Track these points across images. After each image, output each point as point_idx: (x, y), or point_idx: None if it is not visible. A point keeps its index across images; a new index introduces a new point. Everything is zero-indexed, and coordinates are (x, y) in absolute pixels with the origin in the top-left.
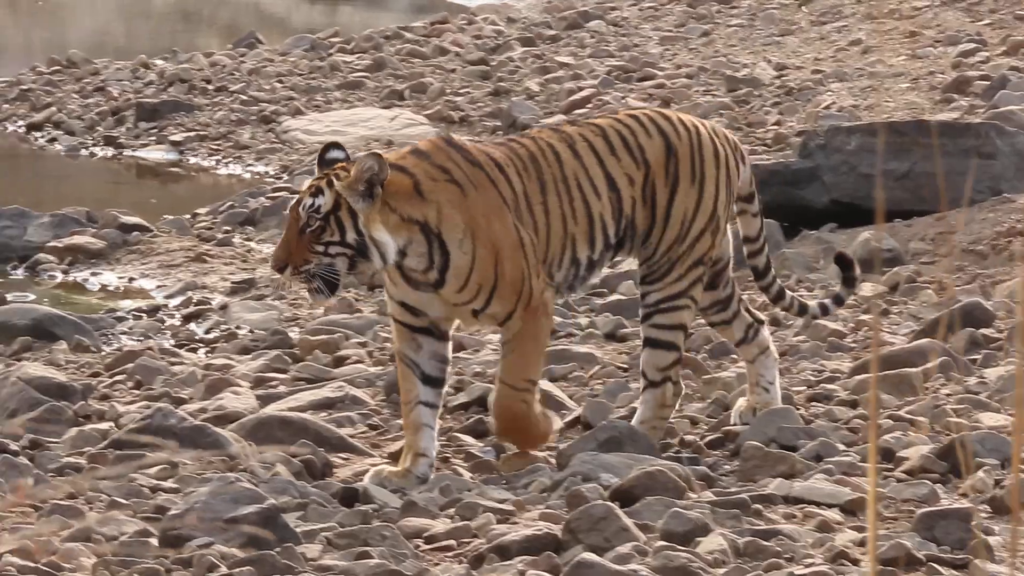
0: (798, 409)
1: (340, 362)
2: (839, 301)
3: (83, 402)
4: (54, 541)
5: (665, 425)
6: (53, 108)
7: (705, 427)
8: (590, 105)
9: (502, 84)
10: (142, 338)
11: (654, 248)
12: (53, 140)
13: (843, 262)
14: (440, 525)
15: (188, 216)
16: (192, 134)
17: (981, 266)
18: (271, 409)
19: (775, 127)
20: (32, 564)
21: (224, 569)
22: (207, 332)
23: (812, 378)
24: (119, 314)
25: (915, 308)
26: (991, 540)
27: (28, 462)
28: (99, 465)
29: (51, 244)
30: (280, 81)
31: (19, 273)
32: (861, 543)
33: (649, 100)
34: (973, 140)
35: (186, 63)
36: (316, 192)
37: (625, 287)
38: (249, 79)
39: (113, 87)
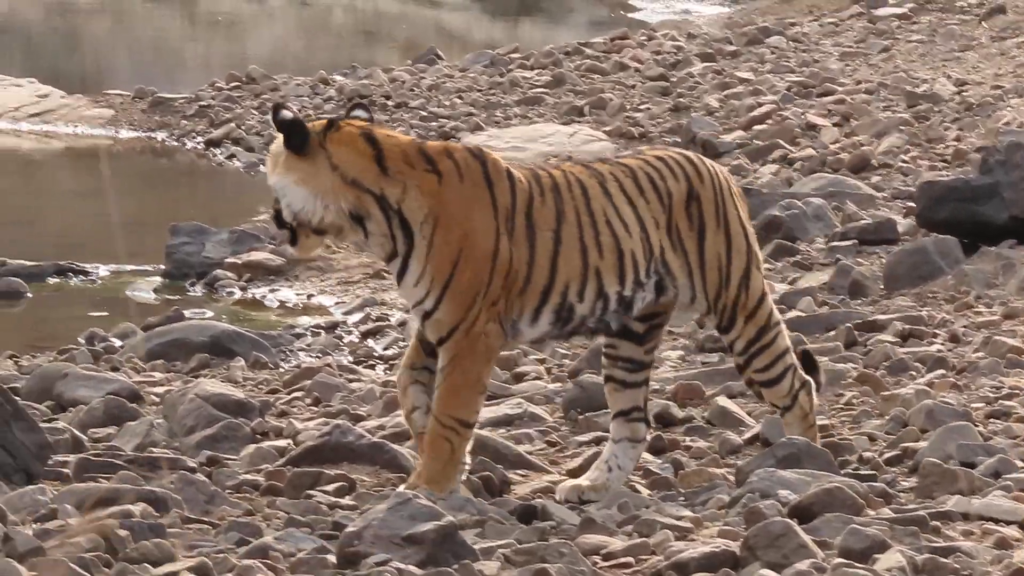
0: (976, 426)
1: (519, 379)
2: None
3: (260, 419)
4: (231, 558)
5: (816, 425)
6: (232, 124)
7: (883, 444)
8: (770, 121)
9: (682, 100)
10: (320, 355)
11: (704, 298)
12: (232, 156)
13: (808, 362)
14: (618, 542)
15: None
16: None
17: None
18: None
19: (955, 143)
20: None
21: None
22: (385, 348)
23: (991, 395)
24: (297, 331)
25: None
26: None
27: (205, 479)
28: (276, 482)
29: (229, 260)
30: (460, 97)
31: (197, 290)
32: None
33: (828, 116)
34: None
35: (366, 79)
36: None
37: (804, 303)
38: (429, 95)
39: (292, 103)
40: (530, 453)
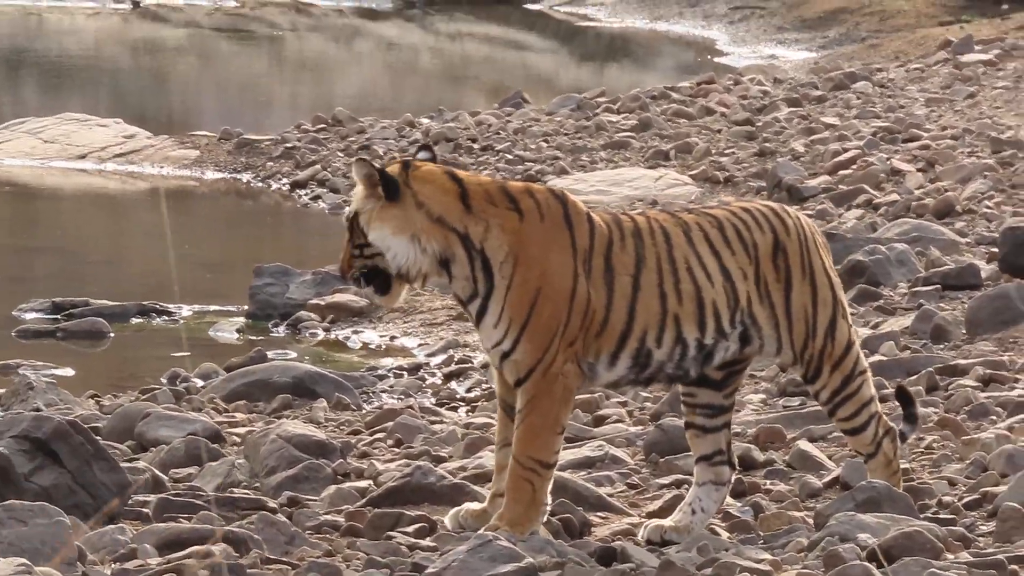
0: None
1: (600, 421)
2: (902, 438)
3: (342, 460)
4: None
5: (901, 470)
6: (318, 166)
7: (963, 488)
8: (855, 166)
9: (767, 145)
10: (403, 396)
11: (791, 350)
12: (317, 198)
13: (904, 398)
14: None
15: None
16: None
17: None
18: None
19: None
20: None
21: None
22: (468, 391)
23: None
24: (380, 372)
25: None
26: None
27: (286, 519)
28: (357, 523)
29: (313, 302)
30: (546, 140)
31: (280, 331)
32: None
33: (913, 161)
34: None
35: (452, 122)
36: (351, 202)
37: (887, 347)
38: (515, 138)
39: (379, 145)
40: (611, 495)
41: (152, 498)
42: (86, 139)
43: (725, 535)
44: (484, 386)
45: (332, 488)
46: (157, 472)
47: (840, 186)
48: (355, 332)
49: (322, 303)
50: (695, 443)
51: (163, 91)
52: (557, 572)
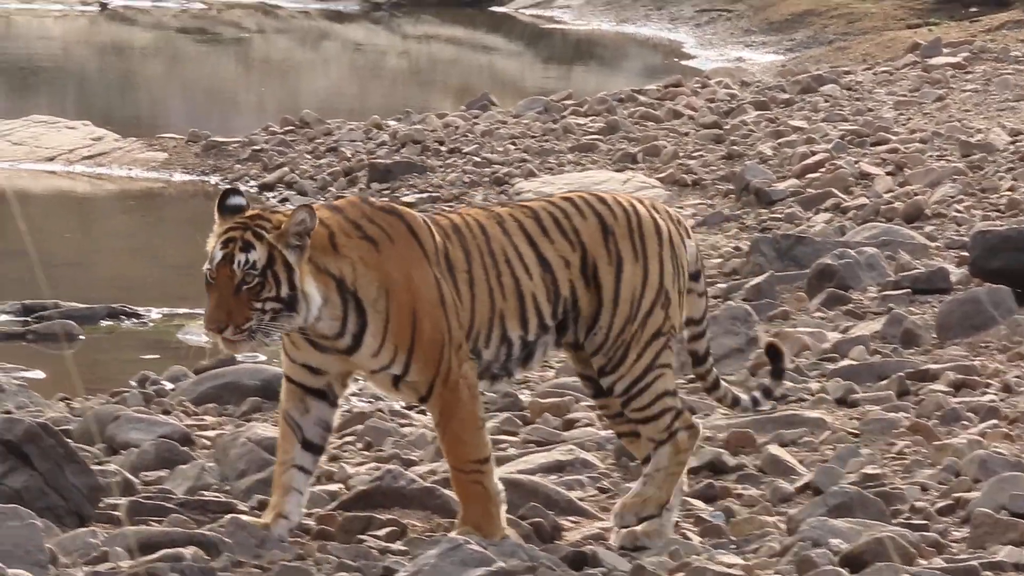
0: None
1: (570, 425)
2: (768, 393)
3: None
4: None
5: (683, 470)
6: (286, 168)
7: (935, 494)
8: (823, 169)
9: (735, 148)
10: (372, 400)
11: (605, 333)
12: (285, 200)
13: (773, 352)
14: None
15: None
16: (424, 195)
17: None
18: (501, 472)
19: (1009, 192)
20: None
21: None
22: None
23: None
24: None
25: None
26: None
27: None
28: (328, 527)
29: None
30: (513, 143)
31: None
32: None
33: (882, 164)
34: None
35: (419, 124)
36: (246, 247)
37: (857, 352)
38: (482, 140)
39: (346, 147)
40: (581, 499)
41: (123, 501)
42: (54, 141)
43: (697, 540)
44: None
45: None
46: (128, 475)
47: (808, 189)
48: None
49: None
50: (634, 447)
51: (131, 93)
52: None
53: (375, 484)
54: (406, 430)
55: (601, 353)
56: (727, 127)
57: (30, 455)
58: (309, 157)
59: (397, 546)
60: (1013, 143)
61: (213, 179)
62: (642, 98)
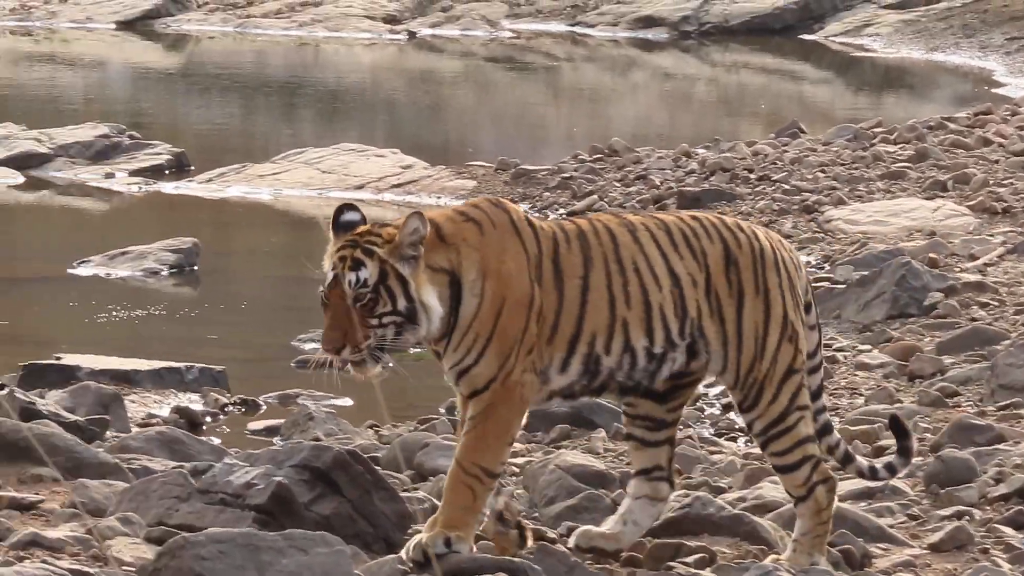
0: None
1: (880, 452)
2: (891, 471)
3: (621, 490)
4: None
5: (829, 527)
6: (595, 196)
7: None
8: None
9: None
10: (681, 427)
11: (735, 370)
12: None
13: (898, 429)
14: None
15: None
16: None
17: None
18: None
19: None
20: None
21: None
22: None
23: None
24: None
25: None
26: None
27: (566, 550)
28: (636, 553)
29: None
30: (823, 170)
31: None
32: None
33: None
34: None
35: (728, 152)
36: (356, 265)
37: None
38: (791, 168)
39: (655, 175)
40: (891, 527)
41: None
42: (363, 169)
43: (1006, 567)
44: None
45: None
46: (436, 502)
47: None
48: None
49: None
50: (634, 455)
51: (439, 121)
52: None
53: (684, 511)
54: (715, 457)
55: (737, 389)
56: None
57: (339, 482)
58: (618, 185)
59: (706, 573)
60: None
61: (522, 207)
62: (952, 126)
